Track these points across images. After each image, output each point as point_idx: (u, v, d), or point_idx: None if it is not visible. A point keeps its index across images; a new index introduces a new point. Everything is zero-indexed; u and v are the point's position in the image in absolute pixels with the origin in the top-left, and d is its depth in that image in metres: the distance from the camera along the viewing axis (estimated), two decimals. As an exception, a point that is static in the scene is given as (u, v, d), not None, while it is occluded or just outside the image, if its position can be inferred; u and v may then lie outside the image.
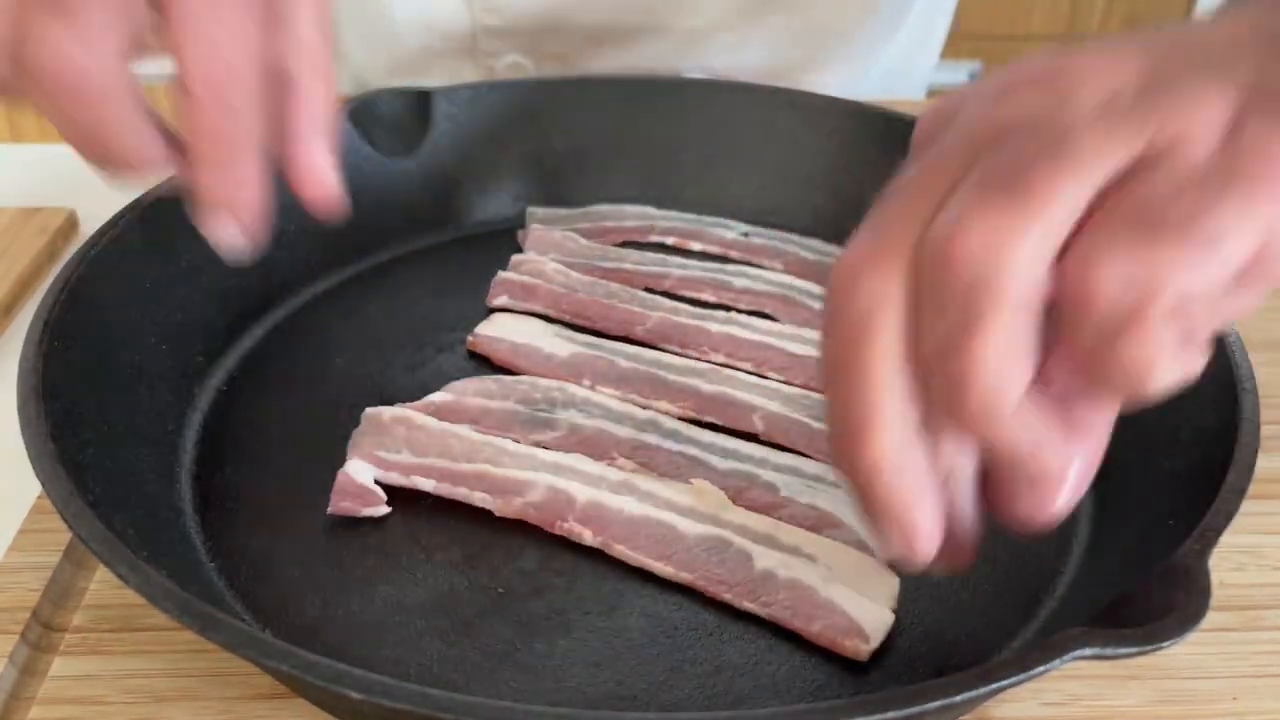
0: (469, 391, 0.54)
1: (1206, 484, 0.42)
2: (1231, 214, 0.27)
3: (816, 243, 0.67)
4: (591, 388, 0.55)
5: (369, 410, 0.52)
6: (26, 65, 0.35)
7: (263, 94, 0.37)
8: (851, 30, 0.86)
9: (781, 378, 0.56)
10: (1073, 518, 0.48)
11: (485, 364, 0.57)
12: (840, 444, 0.32)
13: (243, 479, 0.49)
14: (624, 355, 0.57)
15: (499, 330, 0.59)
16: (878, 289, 0.30)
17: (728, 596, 0.43)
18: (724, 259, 0.67)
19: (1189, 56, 0.30)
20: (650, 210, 0.70)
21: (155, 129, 0.38)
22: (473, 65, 0.88)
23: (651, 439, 0.51)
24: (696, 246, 0.67)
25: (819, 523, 0.47)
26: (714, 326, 0.59)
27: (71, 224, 0.70)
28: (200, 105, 0.36)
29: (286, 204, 0.61)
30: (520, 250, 0.66)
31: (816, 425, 0.53)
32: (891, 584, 0.45)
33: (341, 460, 0.49)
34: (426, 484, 0.48)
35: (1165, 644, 0.33)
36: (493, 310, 0.61)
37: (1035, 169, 0.29)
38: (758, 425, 0.53)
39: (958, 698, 0.32)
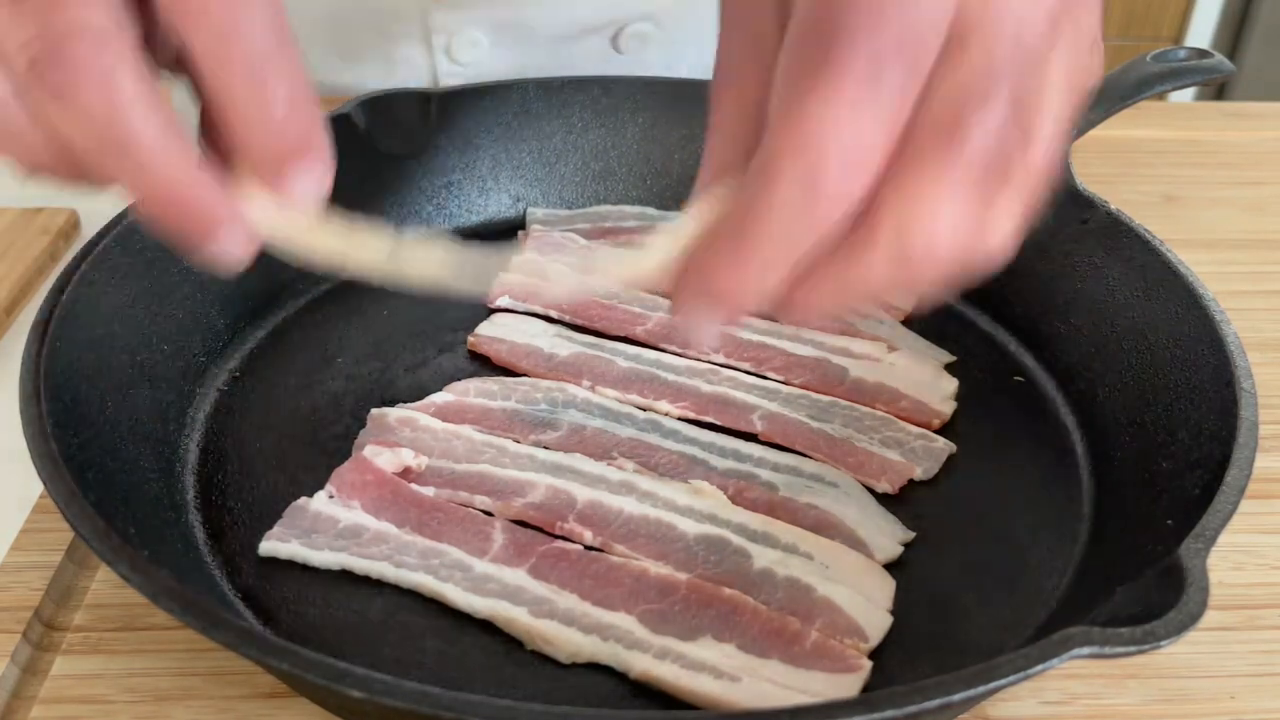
0: (470, 392, 0.54)
1: (1205, 483, 0.42)
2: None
3: (816, 243, 0.67)
4: (592, 388, 0.55)
5: (374, 411, 0.52)
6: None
7: None
8: None
9: (781, 378, 0.56)
10: (1073, 517, 0.49)
11: (486, 364, 0.58)
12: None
13: (244, 478, 0.50)
14: (624, 355, 0.57)
15: (500, 331, 0.59)
16: None
17: (726, 595, 0.43)
18: (724, 259, 0.67)
19: None
20: (650, 210, 0.70)
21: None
22: (425, 50, 0.86)
23: (651, 439, 0.52)
24: (696, 247, 0.67)
25: (817, 522, 0.47)
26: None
27: (73, 224, 0.70)
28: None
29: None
30: (520, 251, 0.66)
31: (816, 425, 0.53)
32: (888, 585, 0.45)
33: (343, 460, 0.49)
34: (426, 489, 0.49)
35: (1163, 643, 0.34)
36: (493, 310, 0.61)
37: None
38: (757, 425, 0.53)
39: (957, 696, 0.32)
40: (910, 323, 0.61)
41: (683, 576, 0.44)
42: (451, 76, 0.86)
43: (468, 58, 0.85)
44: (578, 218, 0.69)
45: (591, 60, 0.87)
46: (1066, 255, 0.58)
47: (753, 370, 0.57)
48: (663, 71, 0.86)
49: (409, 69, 0.86)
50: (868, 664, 0.41)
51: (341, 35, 0.85)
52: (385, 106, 0.65)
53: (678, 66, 0.88)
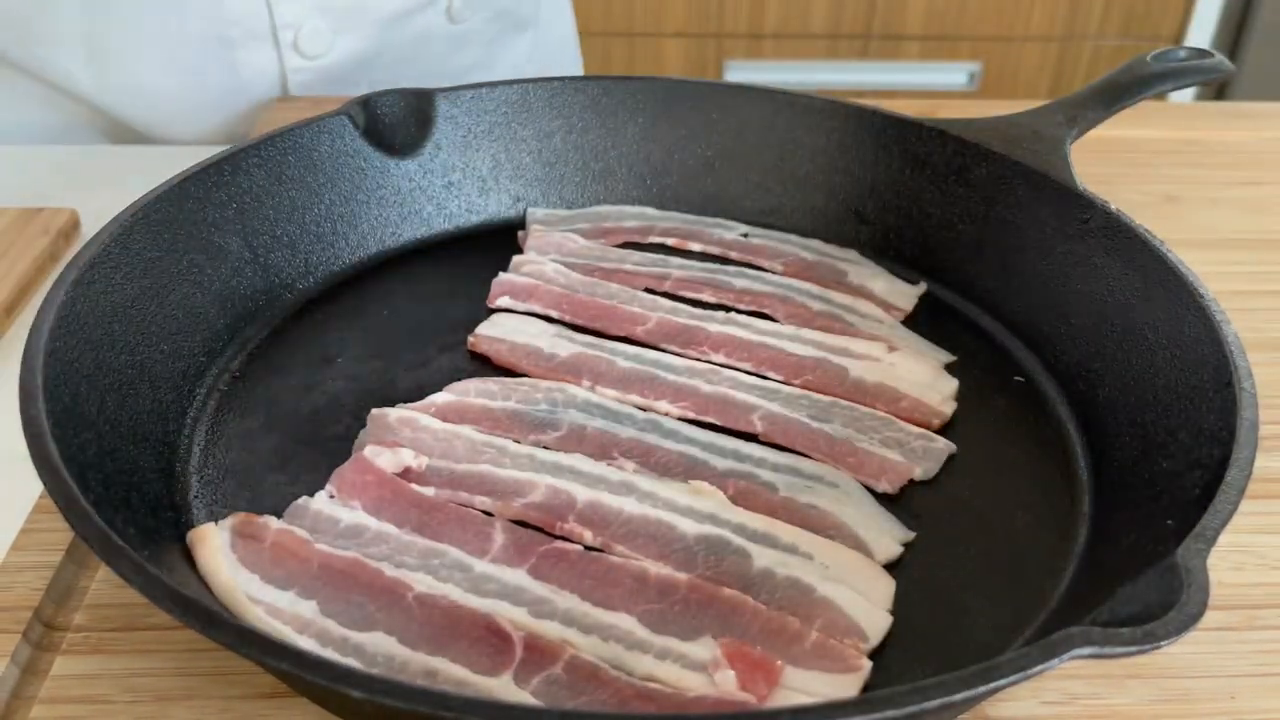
0: (471, 392, 0.54)
1: (1205, 483, 0.42)
2: None
3: (816, 243, 0.67)
4: (592, 388, 0.55)
5: (375, 411, 0.52)
6: None
7: None
8: None
9: (781, 378, 0.56)
10: (1073, 517, 0.49)
11: (486, 364, 0.58)
12: None
13: (244, 478, 0.50)
14: (624, 355, 0.57)
15: (500, 331, 0.59)
16: None
17: (726, 595, 0.43)
18: (724, 259, 0.67)
19: None
20: (650, 211, 0.70)
21: None
22: (272, 47, 0.87)
23: (651, 439, 0.52)
24: (696, 247, 0.67)
25: (818, 522, 0.47)
26: (714, 327, 0.59)
27: (73, 224, 0.70)
28: None
29: (286, 205, 0.61)
30: (520, 251, 0.66)
31: (816, 425, 0.53)
32: (888, 585, 0.45)
33: (343, 460, 0.49)
34: (427, 489, 0.49)
35: (1163, 643, 0.34)
36: (494, 311, 0.61)
37: None
38: (757, 425, 0.53)
39: (957, 697, 0.32)
40: (910, 323, 0.61)
41: (683, 576, 0.44)
42: (300, 73, 0.87)
43: (314, 49, 0.86)
44: (578, 218, 0.69)
45: (432, 37, 0.90)
46: (1066, 255, 0.58)
47: (753, 370, 0.57)
48: (497, 35, 0.93)
49: (254, 73, 0.87)
50: (868, 664, 0.41)
51: (179, 50, 0.85)
52: (385, 106, 0.65)
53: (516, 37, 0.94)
